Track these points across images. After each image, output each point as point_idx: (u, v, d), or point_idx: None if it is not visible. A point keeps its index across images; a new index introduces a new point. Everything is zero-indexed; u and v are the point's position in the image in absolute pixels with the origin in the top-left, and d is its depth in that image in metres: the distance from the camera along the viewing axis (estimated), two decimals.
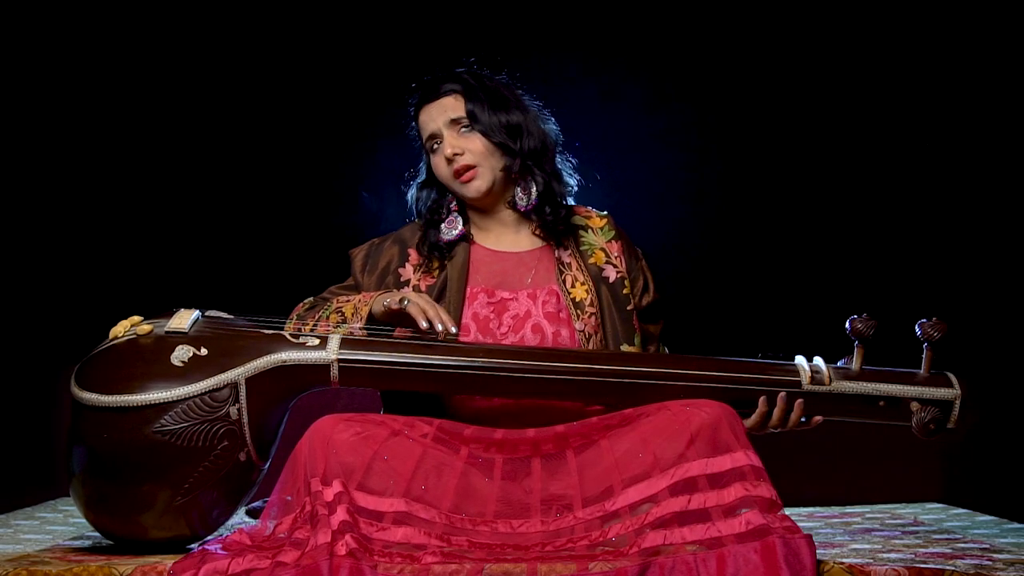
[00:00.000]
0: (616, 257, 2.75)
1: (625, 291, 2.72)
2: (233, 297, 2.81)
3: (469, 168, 2.66)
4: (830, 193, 3.94)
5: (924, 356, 2.50)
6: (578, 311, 2.66)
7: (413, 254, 2.74)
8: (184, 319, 2.50)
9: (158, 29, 3.90)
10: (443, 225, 2.73)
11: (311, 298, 2.72)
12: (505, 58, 2.84)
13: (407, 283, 2.70)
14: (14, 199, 3.75)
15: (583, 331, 2.64)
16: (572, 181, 2.80)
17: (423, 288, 2.68)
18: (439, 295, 2.66)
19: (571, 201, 2.79)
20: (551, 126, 2.77)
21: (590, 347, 2.63)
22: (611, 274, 2.73)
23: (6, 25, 3.71)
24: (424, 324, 2.45)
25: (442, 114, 2.68)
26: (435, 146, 2.69)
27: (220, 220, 3.95)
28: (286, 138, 3.98)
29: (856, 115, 3.93)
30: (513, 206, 2.73)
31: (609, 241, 2.77)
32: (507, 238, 2.76)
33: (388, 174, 2.99)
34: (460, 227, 2.73)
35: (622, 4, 3.97)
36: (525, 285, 2.69)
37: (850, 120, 3.93)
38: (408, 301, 2.48)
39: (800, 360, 2.52)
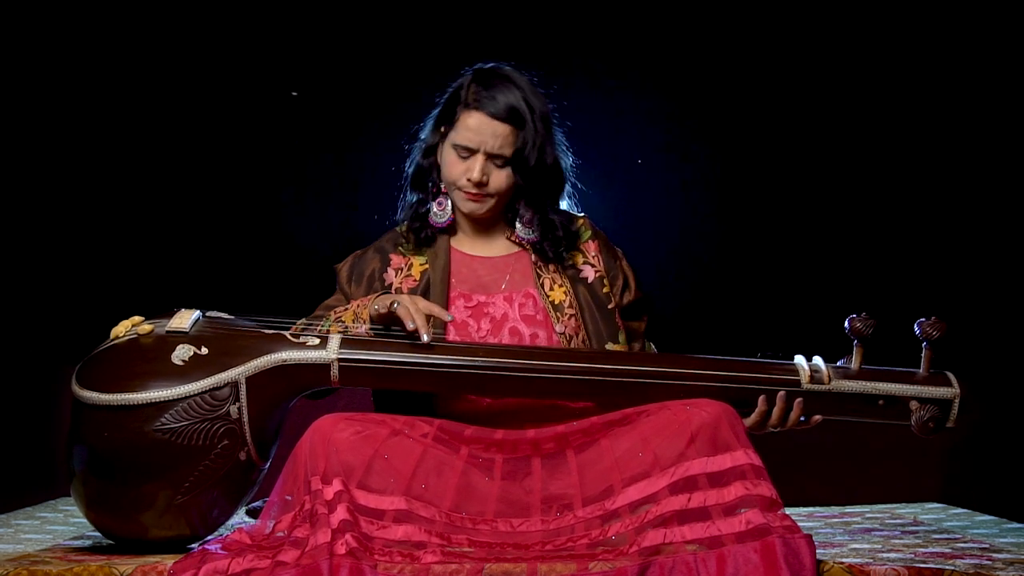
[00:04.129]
0: (593, 257, 2.74)
1: (605, 290, 2.71)
2: (233, 297, 2.81)
3: (483, 197, 2.64)
4: (830, 193, 3.94)
5: (923, 355, 2.50)
6: (557, 313, 2.65)
7: (394, 259, 2.72)
8: (185, 319, 2.50)
9: (159, 28, 3.90)
10: (434, 205, 2.71)
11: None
12: (509, 61, 2.85)
13: (391, 288, 2.68)
14: (15, 199, 3.75)
15: (563, 333, 2.63)
16: (573, 209, 2.78)
17: (404, 291, 2.66)
18: (422, 296, 2.63)
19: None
20: (568, 160, 2.75)
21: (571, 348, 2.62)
22: (589, 274, 2.72)
23: (7, 27, 3.71)
24: (410, 326, 2.44)
25: (492, 139, 2.58)
26: (464, 155, 2.61)
27: (221, 221, 3.95)
28: (286, 139, 3.98)
29: (855, 115, 3.93)
30: (508, 223, 2.73)
31: (586, 242, 2.76)
32: (481, 242, 2.74)
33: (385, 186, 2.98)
34: (450, 214, 2.71)
35: (626, 15, 3.97)
36: (501, 289, 2.68)
37: (849, 120, 3.93)
38: (398, 304, 2.47)
39: (799, 359, 2.52)
